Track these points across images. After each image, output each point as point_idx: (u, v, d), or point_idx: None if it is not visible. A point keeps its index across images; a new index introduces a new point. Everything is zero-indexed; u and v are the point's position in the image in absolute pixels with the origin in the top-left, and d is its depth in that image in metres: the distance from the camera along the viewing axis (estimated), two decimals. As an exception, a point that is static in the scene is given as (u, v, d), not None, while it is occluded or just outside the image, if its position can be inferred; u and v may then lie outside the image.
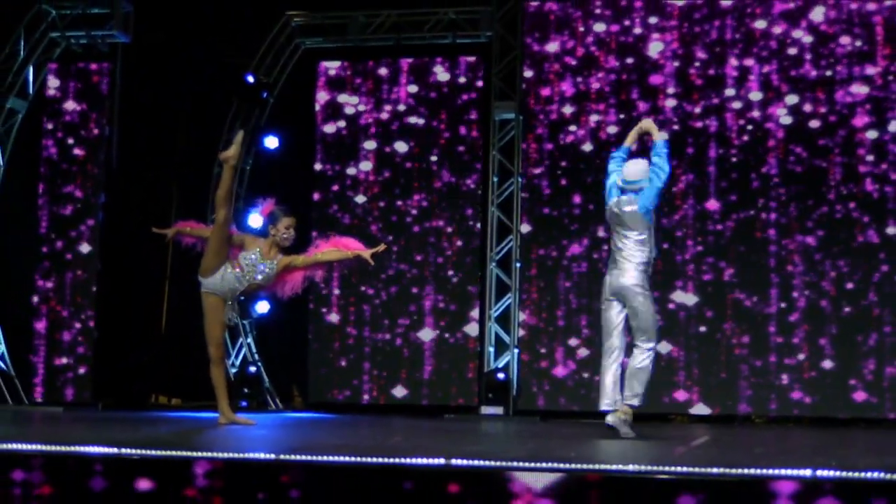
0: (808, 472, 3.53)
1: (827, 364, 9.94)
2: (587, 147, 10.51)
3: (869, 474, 3.49)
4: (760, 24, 10.32)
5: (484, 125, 10.91)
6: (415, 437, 6.44)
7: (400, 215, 11.05)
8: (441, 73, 11.11)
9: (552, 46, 10.65)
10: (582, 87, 10.58)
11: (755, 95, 10.28)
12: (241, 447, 4.64)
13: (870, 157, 10.03)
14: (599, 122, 10.51)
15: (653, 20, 10.52)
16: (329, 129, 11.31)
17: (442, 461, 3.78)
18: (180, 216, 9.14)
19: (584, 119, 10.55)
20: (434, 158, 11.05)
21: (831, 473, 3.51)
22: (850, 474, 3.51)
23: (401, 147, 11.12)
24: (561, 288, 10.47)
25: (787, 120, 10.19)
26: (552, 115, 10.60)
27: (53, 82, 11.31)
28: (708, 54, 10.42)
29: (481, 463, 3.78)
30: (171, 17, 11.21)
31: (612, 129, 10.46)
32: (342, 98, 11.28)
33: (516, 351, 10.42)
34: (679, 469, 3.66)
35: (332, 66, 11.37)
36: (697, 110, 10.36)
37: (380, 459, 3.84)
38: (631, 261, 6.42)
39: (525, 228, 10.55)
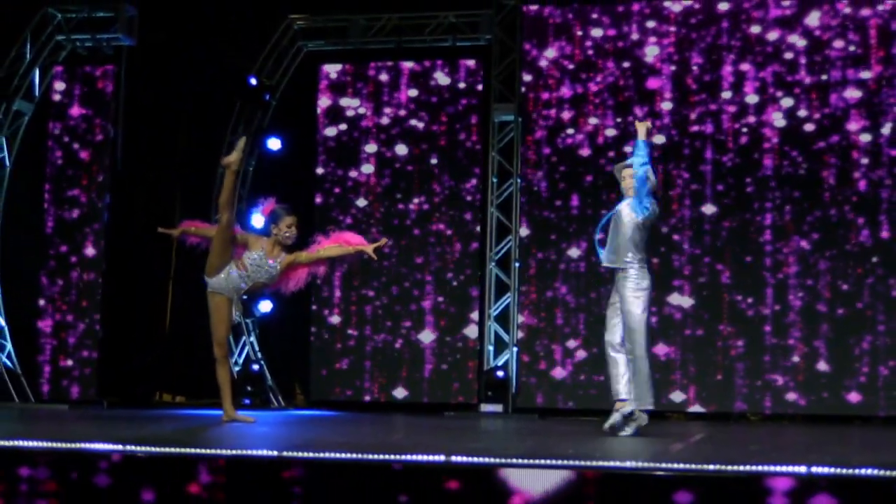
0: (803, 469, 3.57)
1: (821, 366, 10.00)
2: (585, 152, 10.57)
3: (863, 471, 3.52)
4: (756, 29, 10.38)
5: (484, 127, 10.97)
6: (415, 434, 6.48)
7: (400, 218, 11.11)
8: (441, 78, 11.17)
9: (550, 52, 10.72)
10: (580, 91, 10.64)
11: (751, 98, 10.32)
12: (244, 444, 4.66)
13: (864, 160, 10.10)
14: (597, 126, 10.58)
15: (650, 24, 10.58)
16: (330, 132, 11.37)
17: (442, 458, 3.83)
18: (184, 217, 9.17)
19: (582, 123, 10.61)
20: (434, 161, 11.11)
21: (826, 470, 3.57)
22: (845, 471, 3.56)
23: (401, 150, 11.18)
24: (559, 290, 10.53)
25: (781, 123, 10.24)
26: (550, 121, 10.67)
27: (59, 86, 11.37)
28: (704, 59, 10.48)
29: (481, 460, 3.81)
30: (174, 20, 11.26)
31: (611, 132, 10.53)
32: (344, 101, 11.34)
33: (515, 349, 10.50)
34: (676, 466, 3.68)
35: (333, 70, 11.43)
36: (693, 116, 10.42)
37: (381, 456, 3.89)
38: (637, 261, 6.49)
39: (524, 232, 10.62)
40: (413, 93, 11.21)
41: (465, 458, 3.82)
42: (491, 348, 10.57)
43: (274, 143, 11.62)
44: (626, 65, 10.57)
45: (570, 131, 10.62)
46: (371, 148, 11.24)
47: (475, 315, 10.83)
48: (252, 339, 11.26)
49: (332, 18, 11.36)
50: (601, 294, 10.37)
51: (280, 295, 7.36)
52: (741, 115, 10.34)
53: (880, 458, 4.45)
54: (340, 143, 11.33)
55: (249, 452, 3.98)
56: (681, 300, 10.31)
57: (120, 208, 11.35)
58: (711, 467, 3.66)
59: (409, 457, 3.90)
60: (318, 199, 11.27)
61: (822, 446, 5.86)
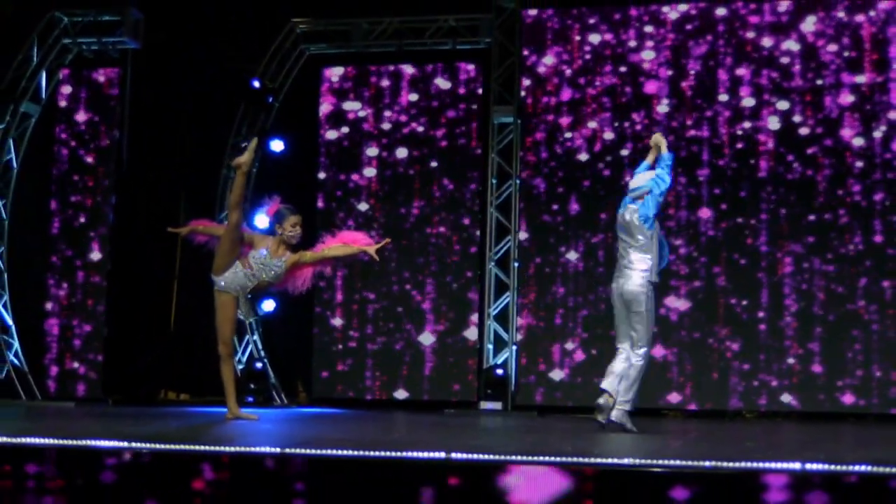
0: (797, 466, 3.62)
1: (816, 368, 10.06)
2: (583, 157, 10.63)
3: (856, 468, 3.58)
4: (752, 35, 10.44)
5: (483, 129, 11.04)
6: (416, 431, 6.51)
7: (401, 221, 11.17)
8: (442, 83, 11.23)
9: (549, 59, 10.79)
10: (578, 96, 10.70)
11: (747, 102, 10.38)
12: (247, 441, 4.71)
13: (859, 164, 10.14)
14: (595, 131, 10.64)
15: (648, 29, 10.63)
16: (332, 135, 11.42)
17: (442, 455, 3.86)
18: (188, 217, 9.24)
19: (580, 127, 10.68)
20: (434, 164, 11.17)
21: (820, 467, 3.61)
22: (838, 467, 3.60)
23: (401, 153, 11.24)
24: (558, 292, 10.60)
25: (776, 126, 10.29)
26: (549, 125, 10.73)
27: (65, 89, 11.44)
28: (700, 64, 10.53)
29: (481, 457, 3.85)
30: (179, 23, 11.32)
31: (609, 136, 10.59)
32: (347, 105, 11.39)
33: (514, 348, 10.56)
34: (673, 462, 3.71)
35: (335, 73, 11.48)
36: (689, 122, 10.47)
37: (382, 453, 3.92)
38: (634, 268, 6.59)
39: (523, 235, 10.69)
40: (413, 97, 11.28)
41: (465, 455, 3.85)
42: (490, 347, 10.64)
43: (277, 145, 11.68)
44: (622, 69, 10.64)
45: (569, 135, 10.69)
46: (372, 151, 11.30)
47: (475, 317, 10.89)
48: (255, 337, 11.32)
49: (335, 22, 11.41)
50: (599, 296, 10.44)
51: (286, 294, 7.38)
52: (737, 120, 10.40)
53: (873, 455, 4.48)
54: (342, 146, 11.39)
55: (252, 449, 3.99)
56: (677, 303, 10.37)
57: (125, 209, 11.40)
58: (707, 464, 3.69)
59: (409, 453, 3.93)
60: (321, 204, 11.33)
61: (816, 443, 5.88)
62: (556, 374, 10.52)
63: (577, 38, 10.77)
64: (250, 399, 10.75)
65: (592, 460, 3.86)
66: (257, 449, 4.00)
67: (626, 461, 3.81)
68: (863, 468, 3.57)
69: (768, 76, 10.38)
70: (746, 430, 7.68)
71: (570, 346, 10.52)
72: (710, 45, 10.53)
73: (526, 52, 10.84)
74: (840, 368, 10.01)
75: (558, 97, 10.76)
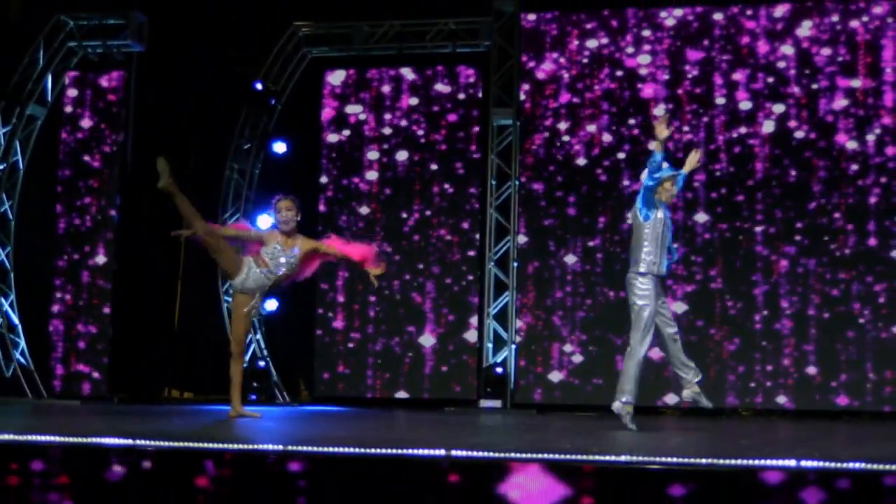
0: (792, 463, 3.65)
1: (811, 369, 10.11)
2: (581, 161, 10.68)
3: (850, 465, 3.61)
4: (748, 39, 10.48)
5: (483, 130, 11.09)
6: (416, 429, 6.56)
7: (401, 224, 11.21)
8: (442, 87, 11.27)
9: (547, 65, 10.84)
10: (576, 100, 10.75)
11: (744, 105, 10.42)
12: (250, 439, 4.75)
13: (853, 167, 10.19)
14: (593, 135, 10.69)
15: (645, 34, 10.68)
16: (333, 138, 11.46)
17: (443, 452, 3.88)
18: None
19: (578, 131, 10.72)
20: (434, 168, 11.22)
21: (815, 464, 3.64)
22: (833, 465, 3.63)
23: (402, 156, 11.29)
24: (557, 294, 10.65)
25: (770, 128, 10.33)
26: (547, 128, 10.78)
27: (71, 92, 11.50)
28: (698, 68, 10.57)
29: (481, 454, 3.88)
30: (181, 25, 11.37)
31: (607, 138, 10.64)
32: (348, 108, 11.44)
33: (514, 347, 10.62)
34: (671, 460, 3.73)
35: (337, 77, 11.53)
36: (686, 127, 10.52)
37: (383, 450, 3.94)
38: (632, 263, 6.70)
39: (522, 238, 10.73)
40: (414, 101, 11.33)
41: (465, 453, 3.87)
42: (490, 346, 10.70)
43: (280, 147, 11.73)
44: (618, 73, 10.70)
45: (566, 139, 10.74)
46: (373, 154, 11.35)
47: (474, 320, 10.95)
48: (258, 336, 11.37)
49: (336, 25, 11.47)
50: (597, 298, 10.49)
51: (293, 284, 7.40)
52: (733, 124, 10.44)
53: (867, 453, 4.51)
54: (343, 151, 11.44)
55: (255, 447, 4.02)
56: (674, 305, 10.41)
57: (129, 211, 11.45)
58: (704, 461, 3.71)
59: (410, 451, 3.95)
60: (322, 207, 11.37)
61: (811, 441, 5.90)
62: (555, 376, 10.57)
63: (576, 42, 10.83)
64: (253, 397, 10.81)
65: (591, 458, 3.89)
66: (260, 446, 4.02)
67: (624, 458, 3.83)
68: (857, 465, 3.60)
69: (764, 80, 10.43)
70: (742, 428, 7.71)
71: (568, 347, 10.57)
72: (707, 50, 10.58)
73: (525, 58, 10.90)
74: (834, 369, 10.06)
75: (557, 101, 10.81)
